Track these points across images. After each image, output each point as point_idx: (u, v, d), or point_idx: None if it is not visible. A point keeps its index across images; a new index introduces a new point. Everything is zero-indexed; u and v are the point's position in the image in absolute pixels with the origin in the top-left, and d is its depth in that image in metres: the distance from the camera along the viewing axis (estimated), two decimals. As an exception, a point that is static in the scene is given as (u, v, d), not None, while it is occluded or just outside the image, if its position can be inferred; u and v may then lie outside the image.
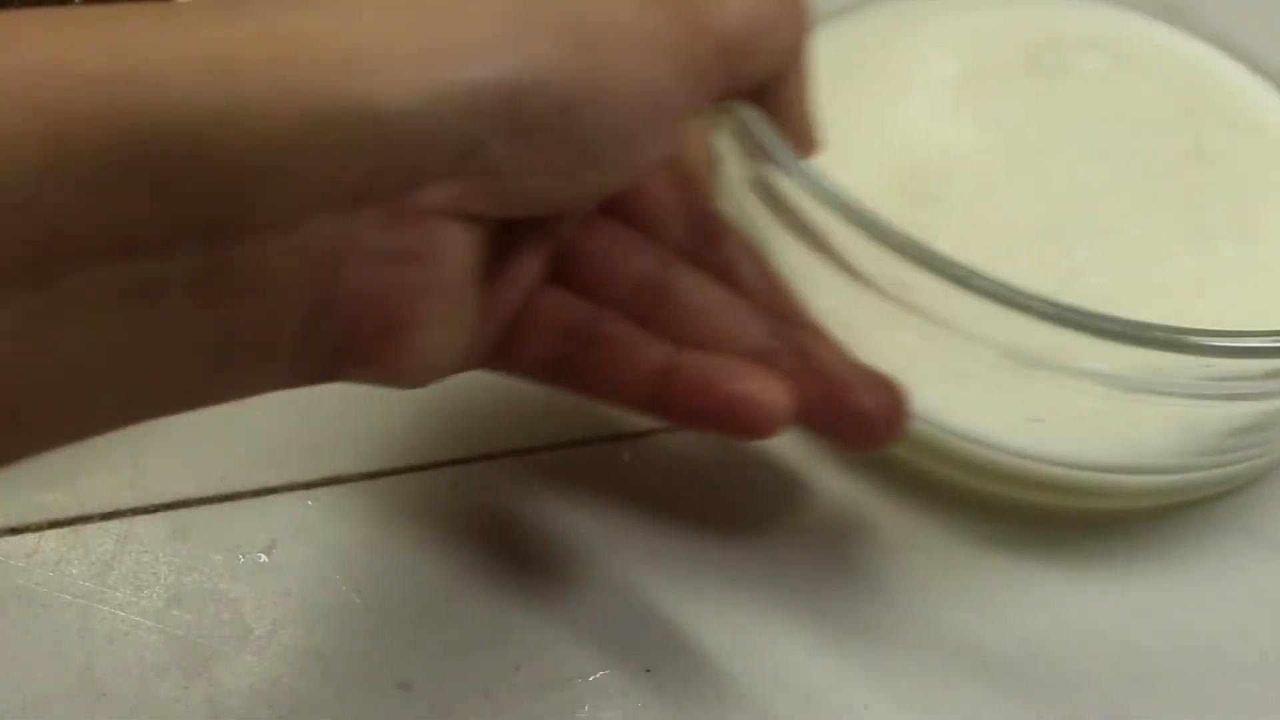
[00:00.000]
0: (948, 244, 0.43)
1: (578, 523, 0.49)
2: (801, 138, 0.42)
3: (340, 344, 0.33)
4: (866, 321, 0.44)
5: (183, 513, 0.48)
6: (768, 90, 0.40)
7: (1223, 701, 0.48)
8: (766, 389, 0.38)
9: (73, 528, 0.48)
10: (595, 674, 0.46)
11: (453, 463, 0.50)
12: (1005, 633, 0.48)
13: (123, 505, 0.48)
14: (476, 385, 0.52)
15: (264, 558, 0.47)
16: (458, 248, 0.33)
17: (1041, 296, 0.41)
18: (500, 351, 0.39)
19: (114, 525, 0.48)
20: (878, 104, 0.58)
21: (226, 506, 0.48)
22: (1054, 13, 0.63)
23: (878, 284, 0.45)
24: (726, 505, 0.50)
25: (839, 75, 0.59)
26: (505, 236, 0.36)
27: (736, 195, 0.50)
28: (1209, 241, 0.55)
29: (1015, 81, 0.60)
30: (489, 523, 0.49)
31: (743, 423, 0.38)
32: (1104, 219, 0.55)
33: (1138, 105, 0.59)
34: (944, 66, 0.60)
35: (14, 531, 0.47)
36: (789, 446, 0.52)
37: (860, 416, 0.40)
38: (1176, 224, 0.55)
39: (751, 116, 0.44)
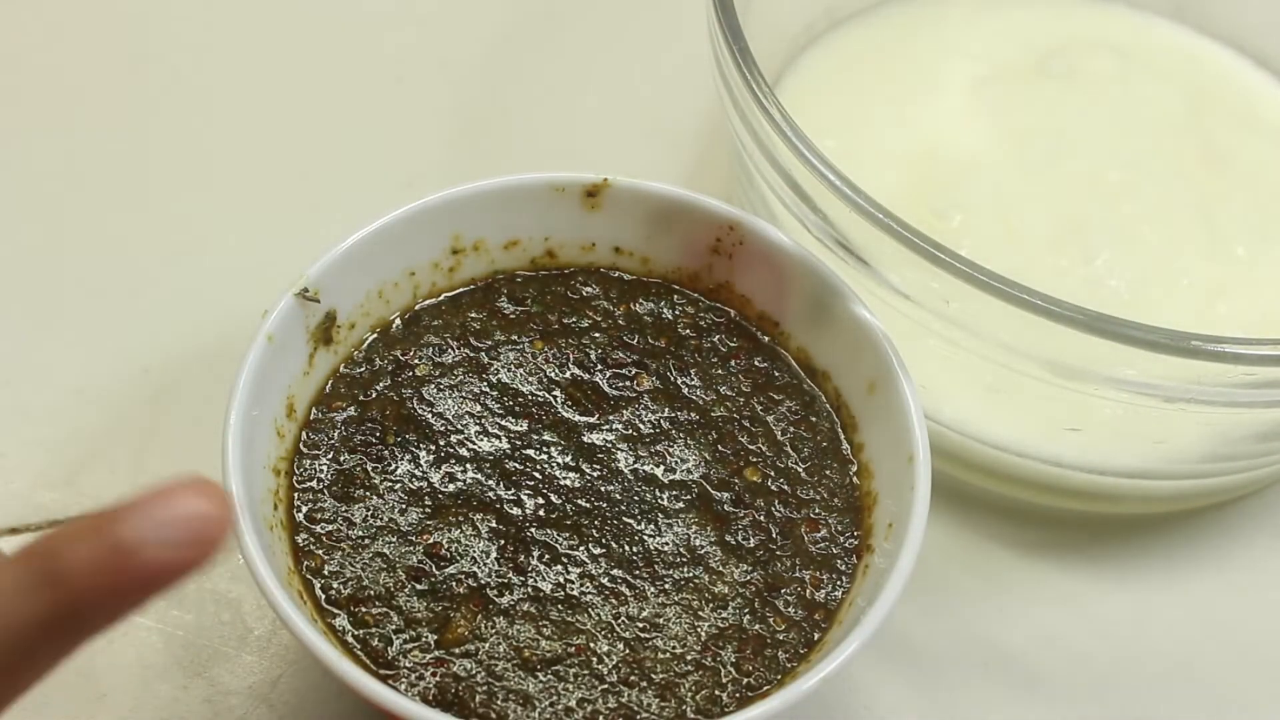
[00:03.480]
0: (971, 252, 0.43)
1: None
2: None
3: None
4: (902, 334, 0.44)
5: (183, 512, 0.48)
6: None
7: (1251, 697, 0.48)
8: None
9: (73, 527, 0.47)
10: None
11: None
12: (1024, 634, 0.48)
13: (123, 505, 0.48)
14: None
15: (264, 558, 0.47)
16: None
17: (1085, 309, 0.41)
18: None
19: (114, 525, 0.48)
20: (895, 109, 0.58)
21: (227, 506, 0.48)
22: (1063, 13, 0.62)
23: (915, 298, 0.45)
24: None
25: (855, 79, 0.59)
26: None
27: (769, 207, 0.50)
28: (1225, 243, 0.55)
29: (1027, 84, 0.59)
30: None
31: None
32: (1120, 223, 0.55)
33: (1149, 107, 0.59)
34: (957, 70, 0.59)
35: (14, 531, 0.47)
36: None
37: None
38: (1192, 226, 0.55)
39: (790, 134, 0.45)
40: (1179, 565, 0.50)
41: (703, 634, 0.41)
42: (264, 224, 0.57)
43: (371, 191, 0.58)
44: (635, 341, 0.46)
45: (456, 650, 0.40)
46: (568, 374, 0.46)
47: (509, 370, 0.46)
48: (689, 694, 0.40)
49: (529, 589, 0.41)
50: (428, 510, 0.42)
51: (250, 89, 0.62)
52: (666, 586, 0.41)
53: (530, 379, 0.45)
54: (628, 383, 0.45)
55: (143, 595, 0.30)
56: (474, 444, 0.44)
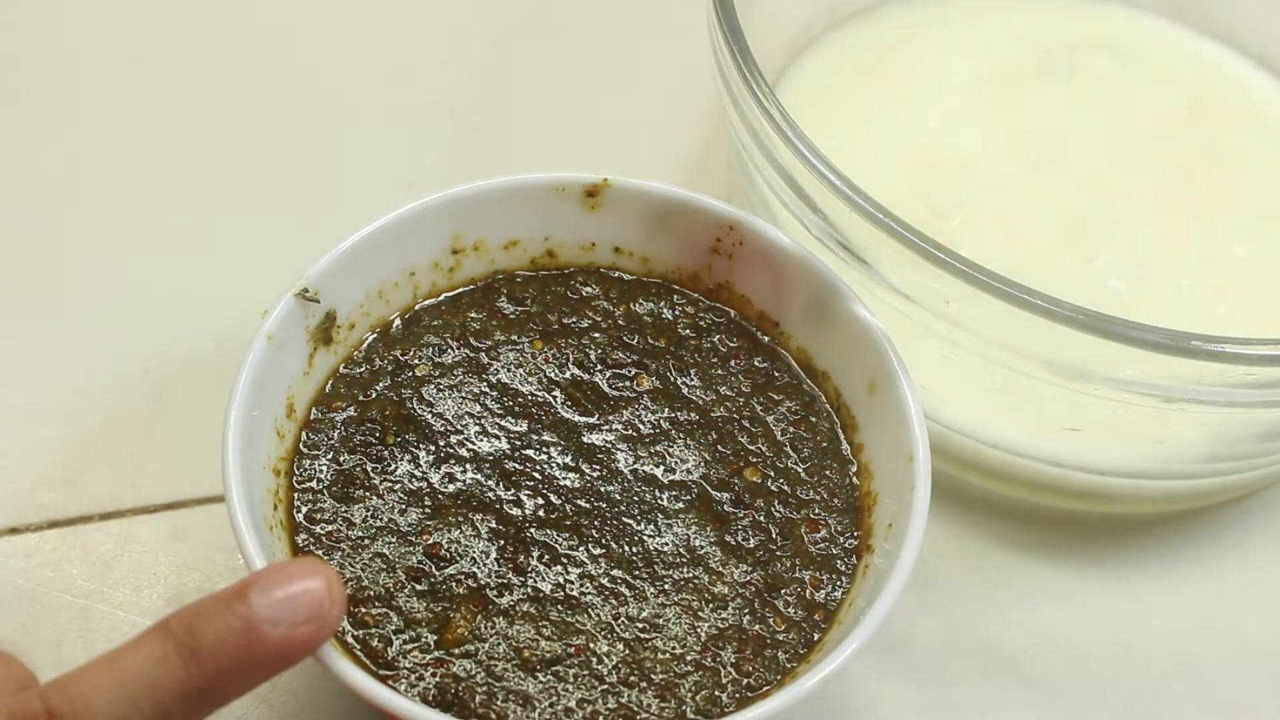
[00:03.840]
0: (971, 252, 0.43)
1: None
2: None
3: None
4: (902, 334, 0.44)
5: (182, 513, 0.48)
6: None
7: (1250, 697, 0.48)
8: None
9: (73, 528, 0.48)
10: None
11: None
12: (1024, 634, 0.48)
13: (123, 505, 0.48)
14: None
15: (264, 558, 0.47)
16: None
17: (1085, 309, 0.41)
18: None
19: (114, 525, 0.48)
20: (895, 109, 0.58)
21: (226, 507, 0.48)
22: (1063, 13, 0.62)
23: (915, 298, 0.45)
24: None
25: (855, 79, 0.59)
26: None
27: (769, 207, 0.50)
28: (1225, 242, 0.55)
29: (1027, 84, 0.59)
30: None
31: None
32: (1121, 222, 0.55)
33: (1149, 107, 0.59)
34: (957, 70, 0.59)
35: (14, 531, 0.47)
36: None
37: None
38: (1192, 225, 0.55)
39: (790, 134, 0.45)
40: (1179, 565, 0.50)
41: (702, 634, 0.41)
42: (264, 224, 0.57)
43: (371, 191, 0.58)
44: (635, 342, 0.46)
45: (456, 650, 0.40)
46: (567, 374, 0.46)
47: (509, 370, 0.45)
48: (689, 694, 0.40)
49: (529, 589, 0.41)
50: (427, 510, 0.42)
51: (251, 89, 0.62)
52: (666, 587, 0.41)
53: (530, 379, 0.45)
54: (627, 383, 0.45)
55: (270, 669, 0.34)
56: (474, 444, 0.44)
